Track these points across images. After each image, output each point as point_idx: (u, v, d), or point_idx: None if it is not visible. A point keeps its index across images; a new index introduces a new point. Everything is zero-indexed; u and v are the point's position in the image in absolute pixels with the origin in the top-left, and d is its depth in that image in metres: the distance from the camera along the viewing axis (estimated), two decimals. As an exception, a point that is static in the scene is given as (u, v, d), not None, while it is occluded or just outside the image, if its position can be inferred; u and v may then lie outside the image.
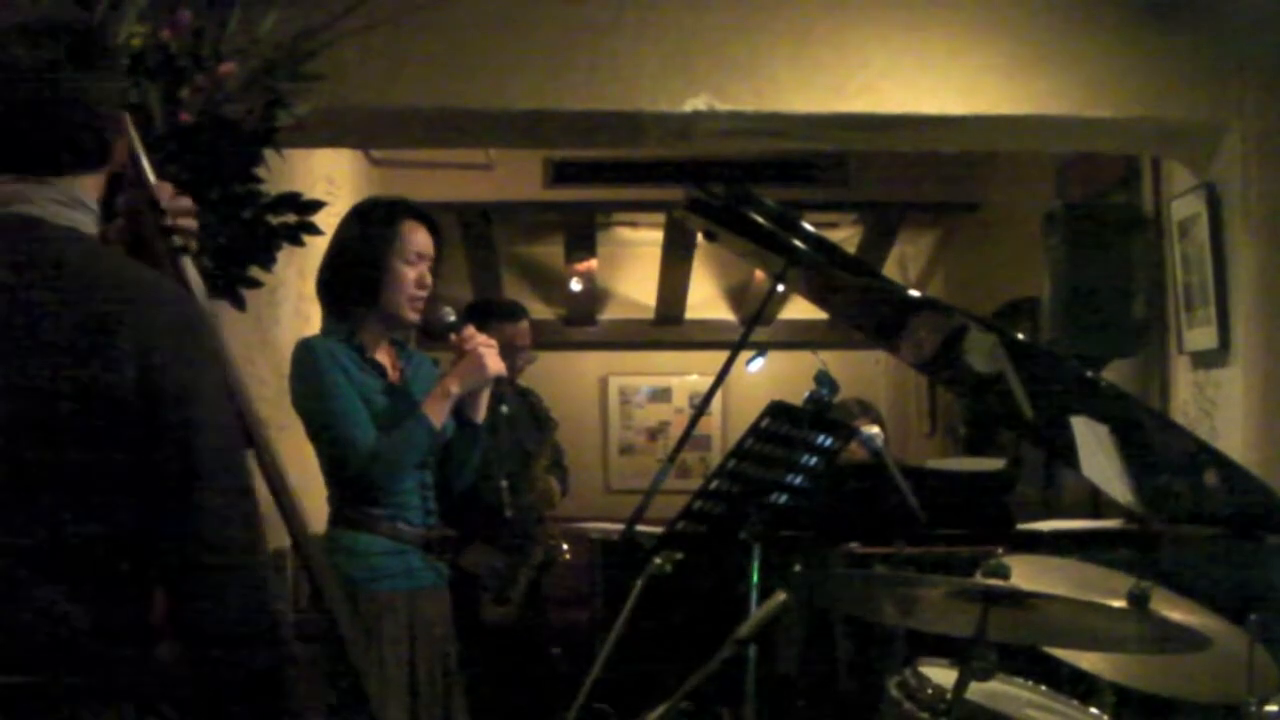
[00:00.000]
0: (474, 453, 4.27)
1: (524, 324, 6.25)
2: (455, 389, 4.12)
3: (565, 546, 6.08)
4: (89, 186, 2.37)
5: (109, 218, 2.78)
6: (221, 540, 2.27)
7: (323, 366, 4.00)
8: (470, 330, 4.22)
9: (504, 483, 5.89)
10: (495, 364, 4.18)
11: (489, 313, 6.25)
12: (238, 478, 2.32)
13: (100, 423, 2.18)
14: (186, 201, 2.77)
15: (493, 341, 4.22)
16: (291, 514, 2.97)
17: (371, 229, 4.13)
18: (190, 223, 2.78)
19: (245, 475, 2.35)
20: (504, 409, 6.14)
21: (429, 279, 4.16)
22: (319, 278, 4.23)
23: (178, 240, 2.71)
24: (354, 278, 4.11)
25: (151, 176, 2.71)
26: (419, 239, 4.14)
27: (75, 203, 2.32)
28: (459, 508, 5.63)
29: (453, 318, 4.24)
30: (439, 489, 4.28)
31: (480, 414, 4.24)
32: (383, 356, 4.19)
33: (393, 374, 4.20)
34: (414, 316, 4.16)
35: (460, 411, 4.17)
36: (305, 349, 4.07)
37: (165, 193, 2.75)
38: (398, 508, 4.07)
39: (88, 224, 2.35)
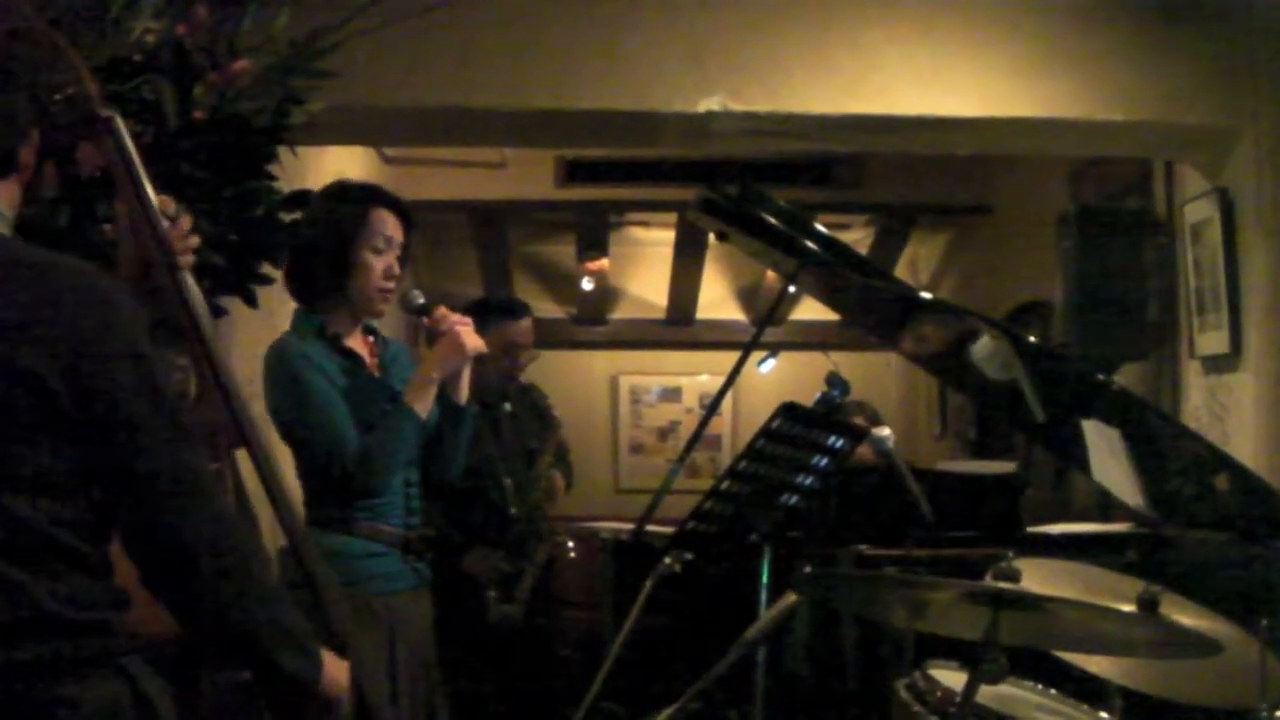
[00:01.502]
0: (461, 436, 4.13)
1: (526, 321, 6.20)
2: (436, 374, 3.99)
3: (570, 544, 6.05)
4: (1, 192, 2.38)
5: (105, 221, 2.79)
6: (177, 518, 2.33)
7: (299, 370, 3.88)
8: (442, 310, 4.08)
9: (508, 481, 5.88)
10: (473, 341, 4.04)
11: (490, 310, 6.23)
12: (180, 451, 2.35)
13: (30, 410, 2.20)
14: (186, 221, 2.78)
15: (467, 319, 4.08)
16: (287, 514, 2.97)
17: (340, 216, 4.02)
18: (193, 241, 2.79)
19: (189, 447, 2.38)
20: (507, 407, 6.13)
21: (397, 269, 4.04)
22: (285, 267, 4.11)
23: (181, 262, 2.73)
24: (321, 266, 4.01)
25: (151, 191, 2.72)
26: (389, 225, 4.03)
27: None
28: (463, 507, 5.64)
29: (422, 300, 4.10)
30: (437, 484, 4.22)
31: (464, 395, 4.10)
32: (358, 345, 4.07)
33: (370, 362, 4.08)
34: (381, 309, 4.06)
35: (442, 394, 4.04)
36: (278, 353, 3.95)
37: (168, 207, 2.76)
38: (378, 508, 3.94)
39: (1, 227, 2.37)
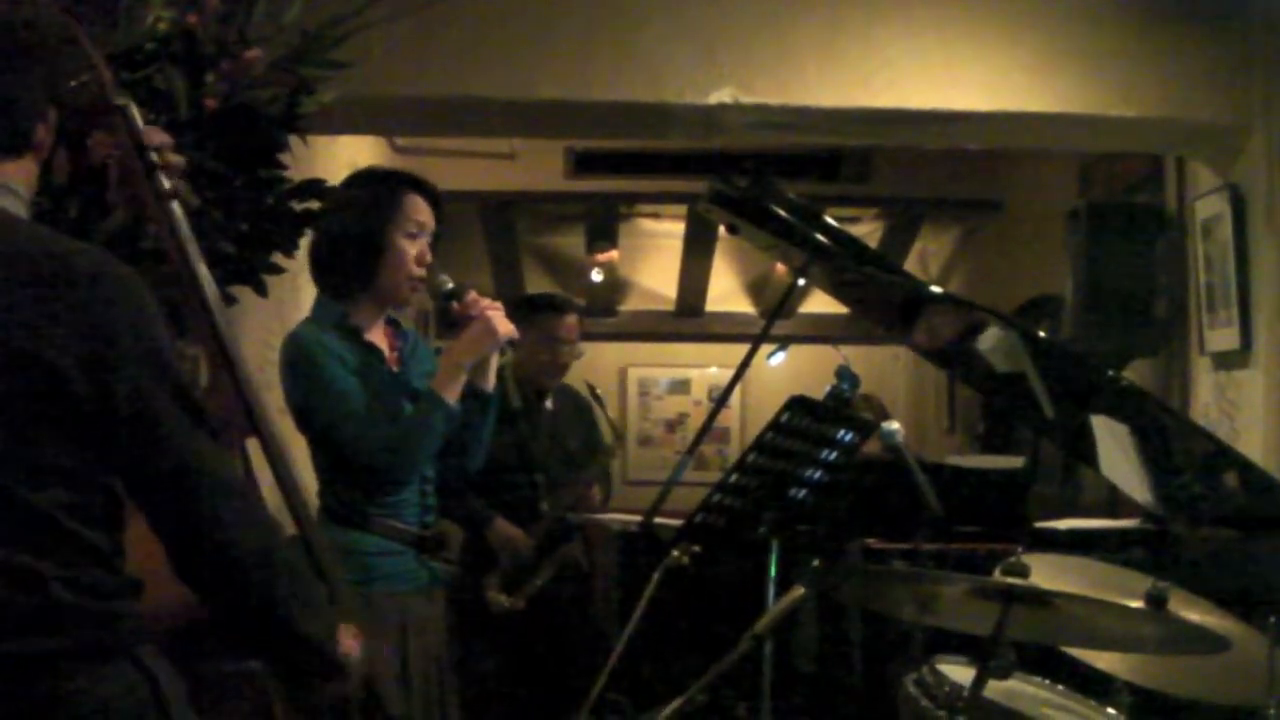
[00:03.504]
0: (485, 425, 4.02)
1: (572, 318, 6.16)
2: (466, 360, 3.88)
3: (583, 562, 6.01)
4: (15, 173, 2.39)
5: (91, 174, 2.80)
6: (205, 509, 2.35)
7: (319, 360, 3.80)
8: (474, 295, 3.95)
9: (540, 476, 5.86)
10: (504, 326, 3.90)
11: (536, 305, 6.22)
12: (202, 442, 2.38)
13: (49, 401, 2.21)
14: (164, 136, 2.78)
15: (498, 304, 3.95)
16: (298, 503, 2.97)
17: (371, 201, 3.94)
18: (176, 159, 2.79)
19: (210, 438, 2.41)
20: (548, 404, 6.12)
21: (428, 256, 3.95)
22: (311, 252, 4.04)
23: (167, 185, 2.73)
24: (351, 252, 3.92)
25: (163, 180, 2.73)
26: (421, 211, 3.94)
27: (1, 189, 2.35)
28: (493, 494, 5.64)
29: (451, 285, 3.97)
30: (461, 475, 4.19)
31: (490, 382, 3.98)
32: (378, 338, 4.00)
33: (390, 356, 4.01)
34: (409, 296, 3.98)
35: (468, 381, 3.92)
36: (296, 343, 3.87)
37: (156, 138, 2.76)
38: (394, 505, 3.87)
39: (17, 208, 2.38)
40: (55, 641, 2.19)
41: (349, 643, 2.77)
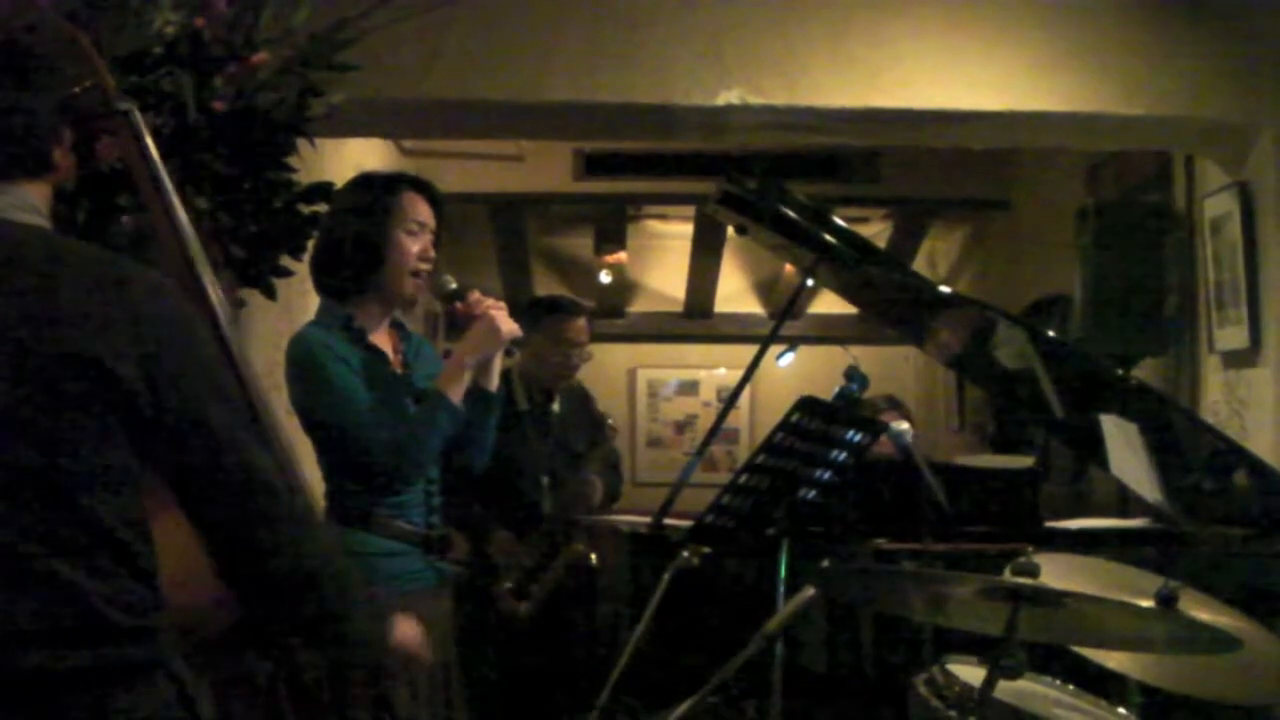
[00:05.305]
0: (490, 423, 4.03)
1: (581, 320, 6.15)
2: (470, 359, 3.88)
3: (593, 556, 5.99)
4: (36, 194, 2.38)
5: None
6: (256, 505, 2.35)
7: (323, 362, 3.81)
8: (476, 294, 3.97)
9: (546, 480, 5.85)
10: (508, 325, 3.92)
11: (545, 307, 6.21)
12: (251, 441, 2.38)
13: (103, 405, 2.20)
14: None
15: (501, 303, 3.97)
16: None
17: (370, 201, 3.96)
18: None
19: (261, 449, 2.41)
20: (555, 407, 6.12)
21: (432, 252, 3.97)
22: (313, 258, 4.04)
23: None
24: (353, 253, 3.92)
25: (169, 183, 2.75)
26: (420, 209, 3.96)
27: (29, 208, 2.34)
28: (498, 499, 5.63)
29: (454, 285, 4.01)
30: (465, 475, 4.18)
31: (494, 382, 3.98)
32: (383, 341, 4.00)
33: (394, 359, 4.01)
34: (414, 293, 3.98)
35: (472, 380, 3.92)
36: (301, 343, 3.88)
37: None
38: (399, 505, 3.87)
39: (44, 226, 2.37)
40: (97, 657, 2.19)
41: (408, 631, 2.82)
